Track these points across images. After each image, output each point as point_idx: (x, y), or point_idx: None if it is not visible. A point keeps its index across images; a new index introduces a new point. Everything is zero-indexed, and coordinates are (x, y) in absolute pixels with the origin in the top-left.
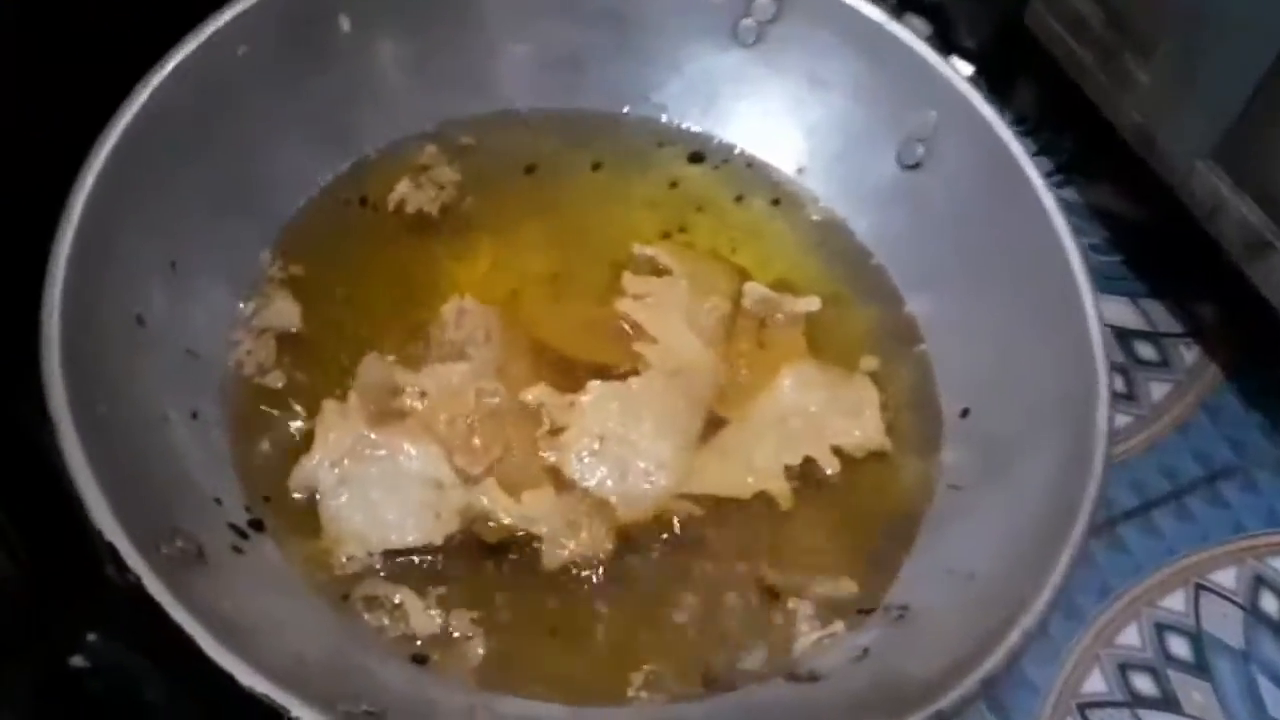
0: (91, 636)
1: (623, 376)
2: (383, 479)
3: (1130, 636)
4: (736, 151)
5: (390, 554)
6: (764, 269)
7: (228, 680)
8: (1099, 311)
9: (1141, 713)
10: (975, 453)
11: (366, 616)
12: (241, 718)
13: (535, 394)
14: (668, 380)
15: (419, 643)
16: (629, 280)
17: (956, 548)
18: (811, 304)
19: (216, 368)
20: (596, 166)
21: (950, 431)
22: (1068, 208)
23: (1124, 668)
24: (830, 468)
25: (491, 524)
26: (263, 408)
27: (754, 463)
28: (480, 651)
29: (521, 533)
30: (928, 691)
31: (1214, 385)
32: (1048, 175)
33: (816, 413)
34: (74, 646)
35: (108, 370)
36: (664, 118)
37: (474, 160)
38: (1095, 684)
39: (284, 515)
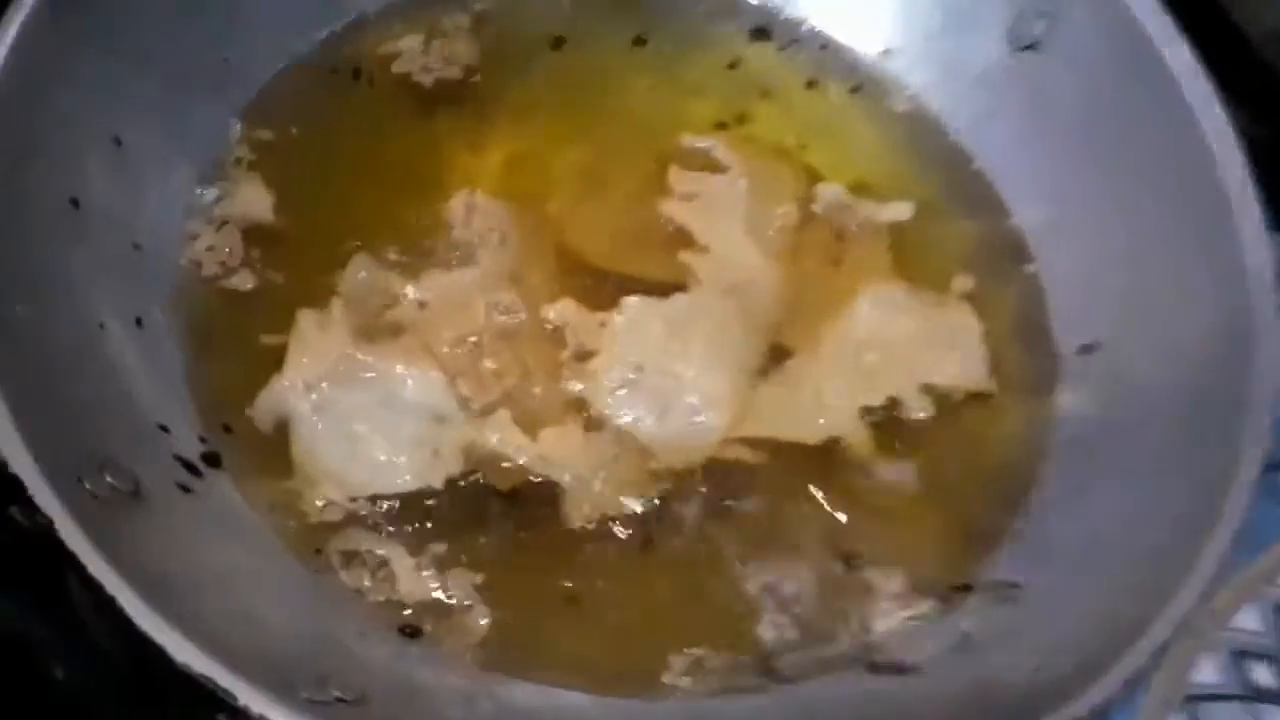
0: None
1: (666, 292)
2: (370, 408)
3: (1248, 620)
4: (808, 27)
5: (376, 500)
6: (839, 169)
7: (158, 656)
8: (1263, 226)
9: (1260, 708)
10: (1099, 397)
11: (344, 576)
12: (175, 702)
13: (559, 311)
14: (721, 299)
15: (408, 611)
16: (676, 177)
17: (1076, 513)
18: (900, 212)
19: (169, 265)
20: (639, 41)
21: (1068, 370)
22: None
23: (1240, 656)
24: (920, 410)
25: (504, 466)
26: (225, 315)
27: (825, 402)
28: (484, 624)
29: (538, 479)
30: (1052, 692)
31: None
32: None
33: (903, 344)
34: None
35: (29, 262)
36: None
37: (492, 29)
38: (1206, 674)
39: (246, 449)
